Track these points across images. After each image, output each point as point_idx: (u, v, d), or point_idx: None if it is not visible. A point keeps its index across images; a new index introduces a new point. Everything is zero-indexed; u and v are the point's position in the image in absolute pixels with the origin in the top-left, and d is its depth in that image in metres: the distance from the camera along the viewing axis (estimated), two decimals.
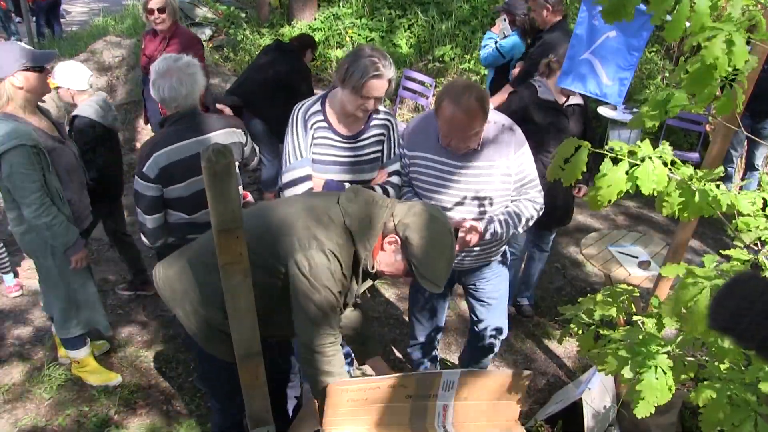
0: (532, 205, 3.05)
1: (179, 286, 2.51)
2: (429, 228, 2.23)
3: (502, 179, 2.95)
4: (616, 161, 1.74)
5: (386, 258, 2.32)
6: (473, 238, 2.90)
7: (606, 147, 1.81)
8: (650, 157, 1.71)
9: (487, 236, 2.95)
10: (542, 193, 3.10)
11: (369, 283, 2.55)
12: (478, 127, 2.79)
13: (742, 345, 1.23)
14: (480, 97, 2.74)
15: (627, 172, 1.72)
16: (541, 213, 3.10)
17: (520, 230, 3.07)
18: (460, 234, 2.86)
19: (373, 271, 2.36)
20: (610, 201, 1.74)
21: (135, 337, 4.41)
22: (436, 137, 2.94)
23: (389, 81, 2.97)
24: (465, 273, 3.29)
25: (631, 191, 1.73)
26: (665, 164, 1.74)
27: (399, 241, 2.26)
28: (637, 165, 1.72)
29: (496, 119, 2.96)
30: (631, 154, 1.75)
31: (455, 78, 8.34)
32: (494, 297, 3.36)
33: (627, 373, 1.81)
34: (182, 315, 2.51)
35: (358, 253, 2.29)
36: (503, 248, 3.29)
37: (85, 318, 3.65)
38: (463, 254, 3.08)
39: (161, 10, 4.93)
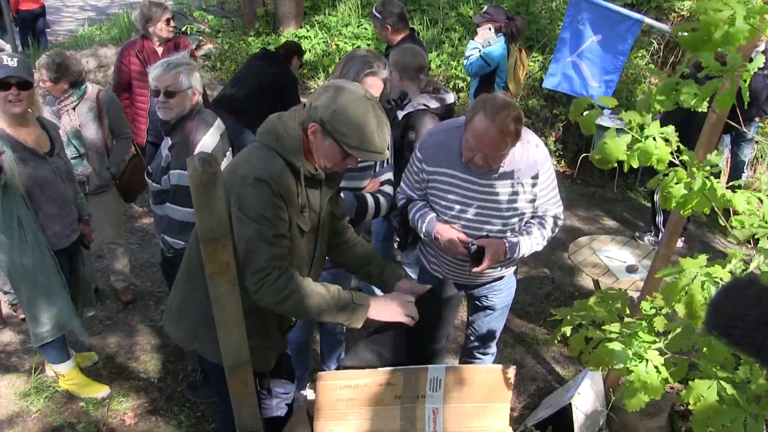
0: (554, 221, 3.00)
1: (189, 318, 2.53)
2: (339, 99, 2.18)
3: (527, 198, 2.87)
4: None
5: (318, 149, 2.27)
6: (496, 257, 2.83)
7: (620, 115, 1.92)
8: (654, 137, 1.77)
9: (512, 254, 2.89)
10: (562, 207, 3.04)
11: (334, 188, 2.50)
12: (508, 147, 2.69)
13: (740, 350, 1.23)
14: (517, 118, 2.62)
15: (629, 146, 1.79)
16: (559, 228, 3.07)
17: (541, 248, 3.00)
18: (485, 254, 2.80)
19: (318, 172, 2.32)
20: (612, 168, 1.85)
21: (123, 348, 4.38)
22: (459, 154, 2.81)
23: (384, 82, 2.98)
24: (477, 286, 3.22)
25: (633, 164, 1.81)
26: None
27: (318, 126, 2.21)
28: (639, 141, 1.79)
29: (522, 136, 2.79)
30: (641, 128, 1.82)
31: (440, 82, 8.36)
32: (501, 306, 3.34)
33: (616, 363, 1.82)
34: (199, 345, 2.55)
35: (293, 165, 2.26)
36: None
37: (57, 320, 3.58)
38: (481, 273, 2.99)
39: (174, 18, 5.13)
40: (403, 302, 2.44)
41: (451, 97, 3.85)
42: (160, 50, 4.99)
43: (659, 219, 6.07)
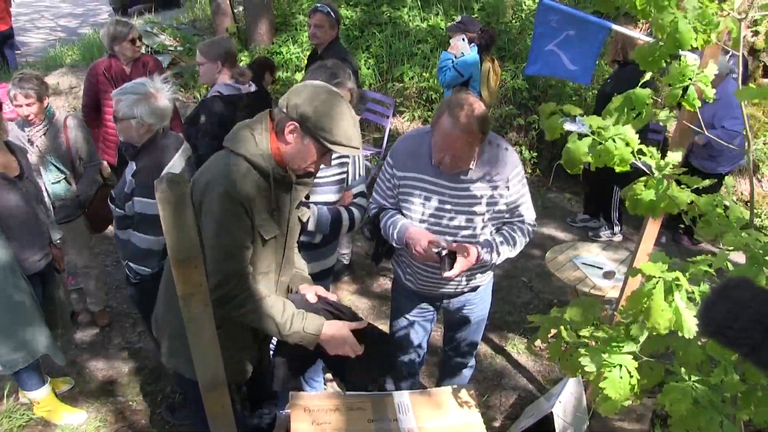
0: (526, 226, 2.99)
1: (166, 332, 2.55)
2: (317, 95, 2.22)
3: (498, 201, 2.87)
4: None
5: (295, 149, 2.27)
6: (469, 261, 2.80)
7: (581, 119, 1.93)
8: (613, 138, 1.81)
9: (485, 259, 2.87)
10: (535, 214, 3.04)
11: (304, 191, 2.50)
12: (474, 147, 2.70)
13: (733, 350, 1.23)
14: (481, 117, 2.64)
15: (590, 147, 1.83)
16: (533, 234, 3.06)
17: (514, 254, 2.99)
18: (458, 258, 2.77)
19: (288, 173, 2.32)
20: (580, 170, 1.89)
21: (101, 371, 4.31)
22: (429, 158, 2.83)
23: (350, 92, 2.98)
24: (452, 296, 3.19)
25: (597, 163, 1.85)
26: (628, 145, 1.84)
27: (297, 125, 2.21)
28: (601, 143, 1.82)
29: (491, 140, 2.85)
30: (599, 133, 1.85)
31: (413, 93, 8.39)
32: (477, 319, 3.32)
33: (589, 367, 1.82)
34: (176, 360, 2.55)
35: (261, 168, 2.25)
36: (491, 272, 3.23)
37: (31, 346, 3.48)
38: (454, 281, 2.98)
39: (140, 38, 5.08)
40: (348, 336, 2.43)
41: (250, 88, 4.38)
42: (128, 69, 4.95)
43: (615, 215, 6.39)
